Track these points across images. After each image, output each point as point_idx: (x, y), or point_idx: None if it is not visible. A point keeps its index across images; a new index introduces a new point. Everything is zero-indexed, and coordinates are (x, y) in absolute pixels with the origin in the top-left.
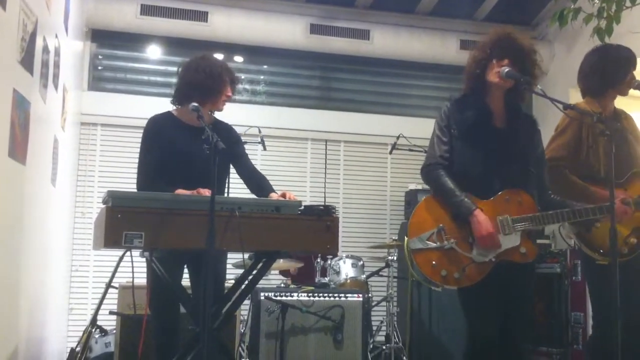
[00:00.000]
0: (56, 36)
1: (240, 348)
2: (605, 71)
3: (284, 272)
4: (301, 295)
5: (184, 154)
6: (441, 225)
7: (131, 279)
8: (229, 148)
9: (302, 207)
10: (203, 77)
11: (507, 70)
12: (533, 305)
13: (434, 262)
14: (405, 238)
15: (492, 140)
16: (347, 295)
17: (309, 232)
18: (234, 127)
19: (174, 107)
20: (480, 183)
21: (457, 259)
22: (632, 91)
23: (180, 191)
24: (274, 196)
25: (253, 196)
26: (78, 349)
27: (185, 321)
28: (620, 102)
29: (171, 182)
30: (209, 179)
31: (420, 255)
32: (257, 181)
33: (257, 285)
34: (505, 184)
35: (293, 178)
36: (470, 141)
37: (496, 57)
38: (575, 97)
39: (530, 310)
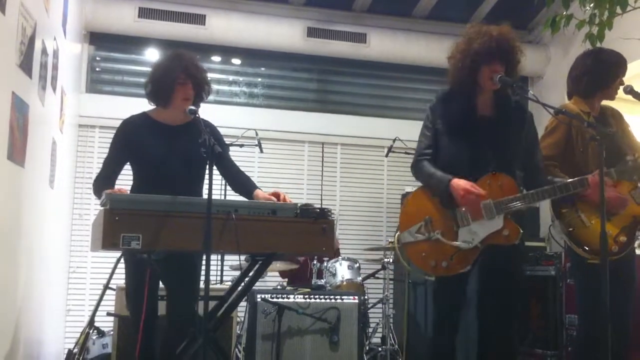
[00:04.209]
0: (54, 39)
1: (236, 350)
2: (595, 74)
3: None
4: (297, 297)
5: (157, 155)
6: (428, 217)
7: None
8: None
9: (299, 210)
10: (156, 75)
11: (499, 76)
12: (520, 294)
13: (423, 254)
14: (396, 233)
15: (476, 129)
16: (343, 297)
17: (304, 234)
18: (230, 128)
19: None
20: (465, 171)
21: (444, 249)
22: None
23: None
24: (259, 194)
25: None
26: (75, 350)
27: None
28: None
29: (145, 182)
30: (183, 179)
31: (411, 248)
32: (241, 181)
33: (254, 287)
34: (489, 169)
35: (290, 180)
36: (456, 133)
37: (485, 62)
38: None
39: (516, 299)
